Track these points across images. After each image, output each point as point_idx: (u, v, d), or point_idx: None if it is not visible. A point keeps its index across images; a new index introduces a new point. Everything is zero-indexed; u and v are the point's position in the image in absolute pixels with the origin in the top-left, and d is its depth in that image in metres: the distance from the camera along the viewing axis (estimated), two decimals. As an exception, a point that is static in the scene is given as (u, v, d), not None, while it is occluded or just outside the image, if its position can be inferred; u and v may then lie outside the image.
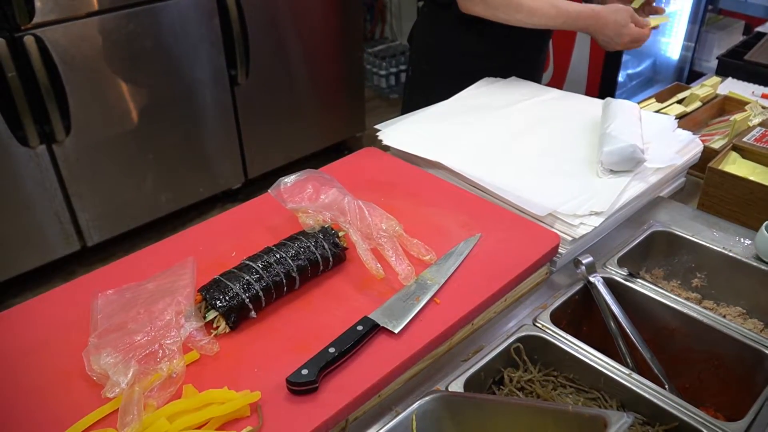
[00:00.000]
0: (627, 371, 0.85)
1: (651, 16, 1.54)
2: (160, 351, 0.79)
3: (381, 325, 0.85)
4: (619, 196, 1.11)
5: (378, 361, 0.81)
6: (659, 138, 1.27)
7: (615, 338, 0.96)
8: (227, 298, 0.84)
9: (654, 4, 1.57)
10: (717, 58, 1.89)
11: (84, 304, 0.88)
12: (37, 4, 2.06)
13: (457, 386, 0.82)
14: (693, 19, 3.27)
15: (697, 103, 1.54)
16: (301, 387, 0.76)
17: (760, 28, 2.23)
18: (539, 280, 1.03)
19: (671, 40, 3.36)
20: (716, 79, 1.68)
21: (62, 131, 2.24)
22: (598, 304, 0.98)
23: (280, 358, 0.81)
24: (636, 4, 1.52)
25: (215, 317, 0.84)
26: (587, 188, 1.12)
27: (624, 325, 0.95)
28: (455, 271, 0.96)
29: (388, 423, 0.77)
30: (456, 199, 1.14)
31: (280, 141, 3.03)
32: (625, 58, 3.03)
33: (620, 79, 3.10)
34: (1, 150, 2.14)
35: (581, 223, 1.04)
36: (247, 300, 0.85)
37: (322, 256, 0.93)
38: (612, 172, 1.17)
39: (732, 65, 1.81)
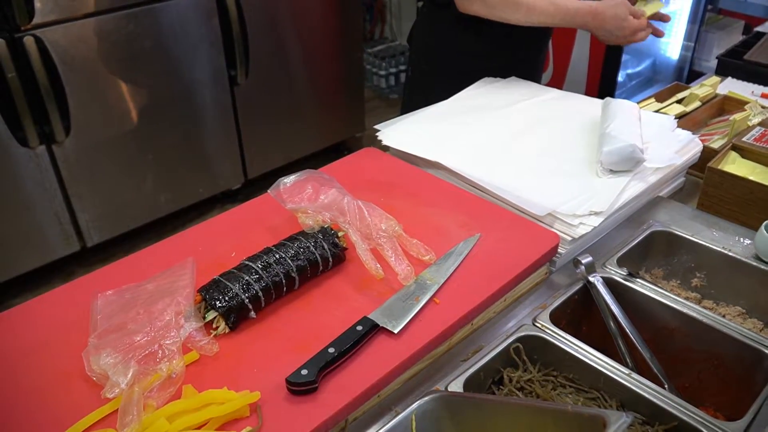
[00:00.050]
0: (626, 371, 0.85)
1: (647, 4, 1.53)
2: (160, 351, 0.79)
3: (380, 325, 0.85)
4: (618, 196, 1.11)
5: (377, 361, 0.81)
6: (659, 138, 1.27)
7: (614, 338, 0.96)
8: (227, 298, 0.84)
9: None
10: (716, 57, 1.89)
11: (84, 305, 0.88)
12: (37, 4, 2.06)
13: (456, 386, 0.82)
14: (693, 18, 3.27)
15: (697, 103, 1.54)
16: (301, 387, 0.76)
17: (759, 28, 2.23)
18: (539, 280, 1.03)
19: (671, 40, 3.36)
20: (716, 78, 1.68)
21: (62, 132, 2.24)
22: (597, 304, 0.98)
23: (280, 358, 0.81)
24: None
25: (215, 317, 0.84)
26: (587, 188, 1.12)
27: (623, 324, 0.95)
28: (455, 271, 0.96)
29: (387, 423, 0.77)
30: (455, 199, 1.14)
31: (280, 141, 3.04)
32: (624, 57, 3.03)
33: (620, 78, 3.10)
34: (1, 150, 2.14)
35: (581, 223, 1.04)
36: (247, 300, 0.85)
37: (321, 257, 0.93)
38: (611, 171, 1.17)
39: (731, 65, 1.82)
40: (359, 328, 0.83)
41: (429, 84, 1.65)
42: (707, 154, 1.28)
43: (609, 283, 1.00)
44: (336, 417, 0.76)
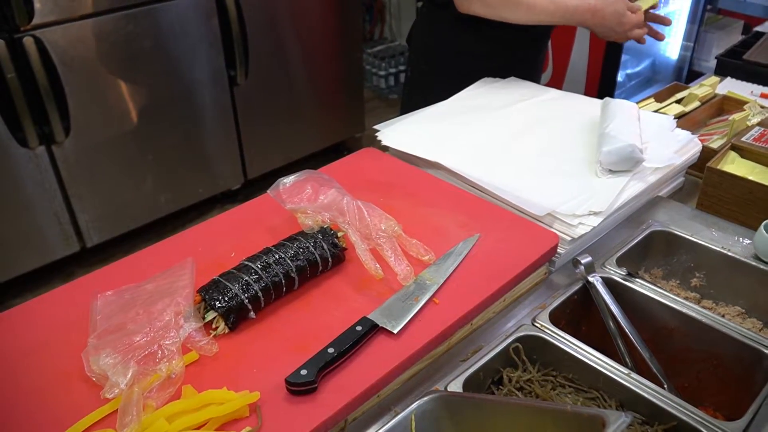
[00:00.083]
0: (626, 371, 0.86)
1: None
2: (159, 352, 0.79)
3: (380, 325, 0.85)
4: (617, 195, 1.11)
5: (377, 361, 0.81)
6: (658, 138, 1.27)
7: (614, 338, 0.96)
8: (226, 298, 0.84)
9: None
10: (716, 57, 1.89)
11: (83, 305, 0.88)
12: (37, 5, 2.06)
13: (456, 386, 0.82)
14: (692, 18, 3.27)
15: (696, 103, 1.54)
16: (300, 387, 0.76)
17: (758, 28, 2.23)
18: (538, 280, 1.03)
19: (670, 40, 3.36)
20: (715, 78, 1.68)
21: (61, 132, 2.24)
22: (597, 304, 0.98)
23: (279, 358, 0.81)
24: None
25: (214, 318, 0.85)
26: (586, 188, 1.12)
27: (623, 324, 0.95)
28: (454, 271, 0.96)
29: (387, 423, 0.77)
30: (455, 199, 1.14)
31: (280, 141, 3.04)
32: (624, 57, 3.03)
33: (619, 79, 3.10)
34: (1, 151, 2.14)
35: (580, 223, 1.05)
36: (246, 300, 0.85)
37: (321, 257, 0.93)
38: (611, 171, 1.17)
39: (731, 65, 1.82)
40: (359, 328, 0.84)
41: (428, 84, 1.65)
42: (706, 153, 1.28)
43: (608, 283, 1.00)
44: (335, 417, 0.76)
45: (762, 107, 1.50)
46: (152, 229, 2.68)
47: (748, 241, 1.10)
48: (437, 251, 0.99)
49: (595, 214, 1.06)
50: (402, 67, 3.91)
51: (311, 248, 0.93)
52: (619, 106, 1.28)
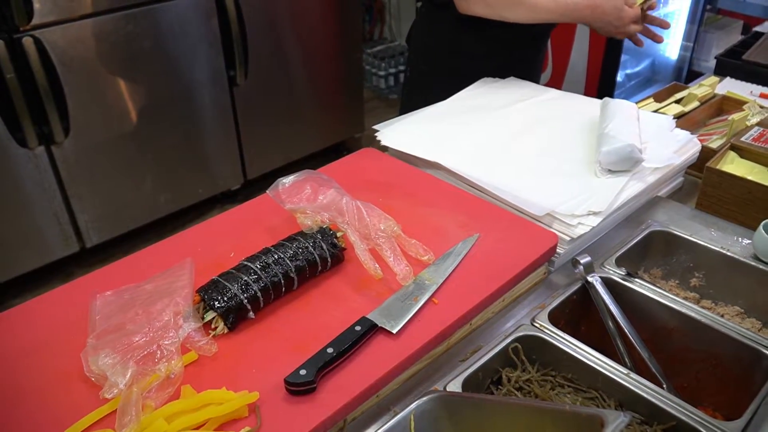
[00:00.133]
0: (625, 371, 0.86)
1: None
2: (159, 352, 0.79)
3: (379, 325, 0.85)
4: (617, 195, 1.11)
5: (376, 361, 0.81)
6: (657, 138, 1.27)
7: (613, 338, 0.96)
8: (225, 298, 0.84)
9: None
10: (715, 57, 1.89)
11: (83, 305, 0.88)
12: (36, 5, 2.06)
13: (455, 386, 0.82)
14: (691, 18, 3.27)
15: (695, 103, 1.54)
16: (300, 387, 0.76)
17: (758, 28, 2.23)
18: (537, 280, 1.03)
19: (670, 40, 3.36)
20: (714, 78, 1.68)
21: (61, 132, 2.24)
22: (596, 304, 0.98)
23: (279, 358, 0.81)
24: None
25: (213, 318, 0.85)
26: (585, 188, 1.12)
27: (622, 324, 0.95)
28: (453, 271, 0.96)
29: (386, 423, 0.77)
30: (454, 199, 1.14)
31: (279, 142, 3.04)
32: (623, 58, 3.03)
33: (619, 79, 3.10)
34: (0, 151, 2.14)
35: (579, 223, 1.05)
36: (246, 301, 0.85)
37: (320, 257, 0.94)
38: (610, 171, 1.17)
39: (730, 65, 1.82)
40: (358, 328, 0.84)
41: (428, 84, 1.65)
42: (706, 153, 1.28)
43: (607, 282, 1.00)
44: (334, 417, 0.76)
45: (761, 107, 1.50)
46: (152, 230, 2.68)
47: (748, 241, 1.10)
48: (436, 251, 0.99)
49: (595, 214, 1.06)
50: (402, 68, 3.91)
51: (310, 248, 0.93)
52: (618, 106, 1.28)
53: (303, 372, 0.76)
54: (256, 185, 2.99)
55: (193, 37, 2.51)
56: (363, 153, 1.31)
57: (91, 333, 0.82)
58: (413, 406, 0.79)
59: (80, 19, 2.19)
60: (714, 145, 1.36)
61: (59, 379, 0.79)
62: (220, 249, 1.00)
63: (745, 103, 1.53)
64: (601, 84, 3.05)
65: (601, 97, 1.40)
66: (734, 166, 1.24)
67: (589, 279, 0.99)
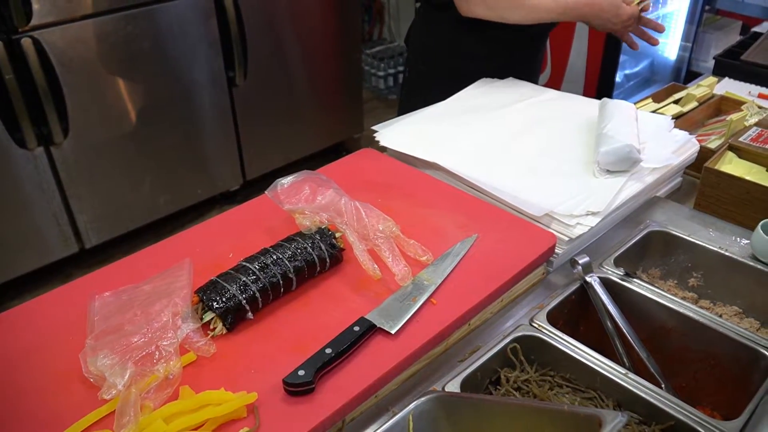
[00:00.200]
0: (623, 371, 0.86)
1: None
2: (157, 352, 0.79)
3: (378, 325, 0.85)
4: (615, 196, 1.11)
5: (375, 361, 0.81)
6: (656, 138, 1.27)
7: (611, 338, 0.97)
8: (224, 299, 0.84)
9: None
10: (714, 58, 1.89)
11: (82, 306, 0.88)
12: (35, 6, 2.06)
13: (453, 386, 0.82)
14: (690, 19, 3.28)
15: (694, 103, 1.54)
16: (298, 388, 0.76)
17: (756, 28, 2.23)
18: (536, 280, 1.03)
19: (668, 41, 3.37)
20: (713, 79, 1.68)
21: (60, 133, 2.24)
22: (594, 304, 0.98)
23: (277, 359, 0.81)
24: None
25: (212, 318, 0.85)
26: (584, 188, 1.12)
27: (620, 324, 0.95)
28: (452, 271, 0.96)
29: (384, 423, 0.77)
30: (453, 199, 1.14)
31: (279, 142, 3.04)
32: (622, 58, 3.04)
33: (618, 79, 3.10)
34: (-1, 152, 2.15)
35: (578, 224, 1.05)
36: (244, 301, 0.85)
37: (318, 257, 0.94)
38: (608, 172, 1.17)
39: (729, 65, 1.82)
40: (356, 328, 0.84)
41: (426, 85, 1.65)
42: (704, 154, 1.28)
43: (606, 283, 1.00)
44: (333, 417, 0.76)
45: (759, 107, 1.51)
46: (151, 230, 2.68)
47: (746, 241, 1.10)
48: (435, 252, 0.99)
49: (593, 214, 1.07)
50: (401, 68, 3.91)
51: (309, 249, 0.93)
52: (616, 106, 1.28)
53: (301, 372, 0.77)
54: (255, 186, 2.99)
55: (192, 37, 2.51)
56: (362, 153, 1.31)
57: (89, 334, 0.82)
58: (412, 406, 0.79)
59: (79, 19, 2.19)
60: (712, 145, 1.36)
61: (58, 380, 0.79)
62: (219, 250, 1.00)
63: (743, 103, 1.54)
64: (600, 84, 3.05)
65: (599, 98, 1.40)
66: (732, 166, 1.24)
67: (588, 279, 0.99)
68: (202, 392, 0.76)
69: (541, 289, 1.02)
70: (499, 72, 1.58)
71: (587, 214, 1.06)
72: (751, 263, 1.05)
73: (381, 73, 3.91)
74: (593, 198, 1.10)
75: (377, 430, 0.77)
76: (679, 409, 0.80)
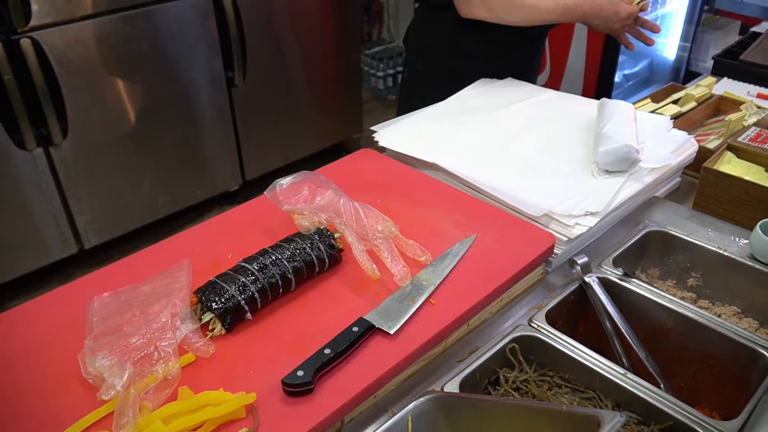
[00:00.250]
0: (622, 371, 0.86)
1: None
2: (156, 353, 0.79)
3: (376, 326, 0.85)
4: (614, 196, 1.11)
5: (373, 362, 0.81)
6: (654, 138, 1.27)
7: (610, 338, 0.97)
8: (223, 300, 0.84)
9: None
10: (712, 58, 1.89)
11: (81, 307, 0.88)
12: (34, 7, 2.06)
13: (452, 387, 0.82)
14: (689, 19, 3.28)
15: (693, 103, 1.54)
16: (297, 388, 0.76)
17: (755, 28, 2.23)
18: (535, 280, 1.03)
19: (668, 41, 3.37)
20: (711, 79, 1.68)
21: (59, 134, 2.24)
22: (593, 304, 0.98)
23: (276, 359, 0.81)
24: None
25: (211, 319, 0.85)
26: (582, 188, 1.13)
27: (619, 324, 0.95)
28: (451, 271, 0.96)
29: (383, 424, 0.77)
30: (451, 200, 1.14)
31: (278, 143, 3.04)
32: (621, 58, 3.04)
33: (617, 79, 3.10)
34: (-2, 153, 2.15)
35: (576, 224, 1.05)
36: (243, 302, 0.85)
37: (317, 258, 0.94)
38: (607, 172, 1.17)
39: (727, 65, 1.82)
40: (355, 329, 0.84)
41: (425, 85, 1.65)
42: (703, 154, 1.28)
43: (605, 283, 1.00)
44: (332, 418, 0.76)
45: (758, 107, 1.51)
46: (150, 231, 2.68)
47: (745, 241, 1.10)
48: (434, 252, 0.99)
49: (592, 214, 1.07)
50: (400, 68, 3.91)
51: (308, 249, 0.93)
52: (615, 106, 1.28)
53: (300, 373, 0.76)
54: (254, 186, 2.99)
55: (192, 38, 2.51)
56: (361, 154, 1.31)
57: (88, 334, 0.82)
58: (411, 406, 0.79)
59: (78, 20, 2.19)
60: (711, 145, 1.36)
61: (57, 381, 0.79)
62: (218, 250, 1.00)
63: (742, 103, 1.54)
64: (599, 84, 3.05)
65: (598, 98, 1.40)
66: (731, 166, 1.24)
67: (587, 279, 0.99)
68: (200, 393, 0.76)
69: (540, 289, 1.02)
70: (498, 72, 1.58)
71: (586, 214, 1.06)
72: (750, 263, 1.05)
73: (380, 74, 3.91)
74: (592, 198, 1.10)
75: (376, 430, 0.77)
76: (677, 409, 0.80)
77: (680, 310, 0.96)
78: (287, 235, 0.97)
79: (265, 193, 1.04)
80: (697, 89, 1.58)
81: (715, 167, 1.20)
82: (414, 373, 0.86)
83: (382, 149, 1.30)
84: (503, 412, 0.76)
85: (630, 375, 0.85)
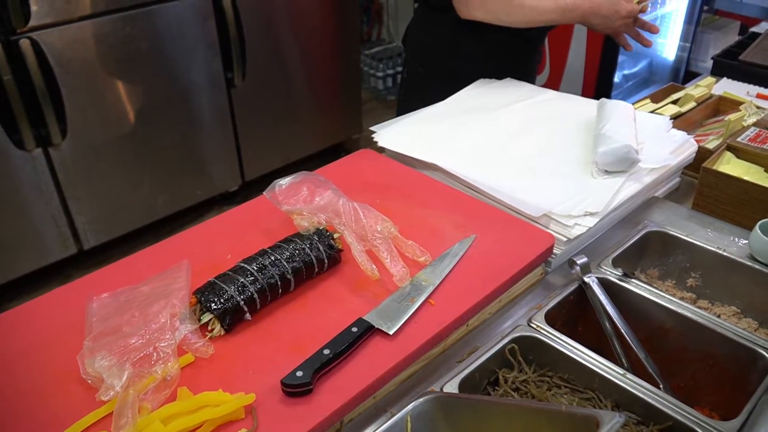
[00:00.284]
0: (621, 371, 0.86)
1: None
2: (155, 354, 0.79)
3: (376, 326, 0.85)
4: (613, 196, 1.11)
5: (373, 362, 0.81)
6: (654, 138, 1.27)
7: (610, 338, 0.97)
8: (222, 300, 0.84)
9: None
10: (712, 58, 1.89)
11: (80, 307, 0.88)
12: (33, 7, 2.06)
13: (451, 387, 0.82)
14: (689, 19, 3.28)
15: (692, 104, 1.54)
16: (296, 389, 0.76)
17: (755, 29, 2.24)
18: (534, 280, 1.03)
19: (667, 41, 3.37)
20: (711, 79, 1.68)
21: (58, 134, 2.24)
22: (592, 305, 0.98)
23: (275, 360, 0.81)
24: None
25: (210, 320, 0.85)
26: (582, 189, 1.13)
27: (619, 325, 0.95)
28: (450, 272, 0.96)
29: (383, 424, 0.77)
30: (451, 200, 1.14)
31: (277, 143, 3.04)
32: (621, 58, 3.04)
33: (616, 79, 3.10)
34: (-2, 154, 2.14)
35: (576, 224, 1.05)
36: (242, 302, 0.85)
37: (317, 258, 0.94)
38: (607, 172, 1.17)
39: (727, 65, 1.82)
40: (354, 329, 0.84)
41: (424, 85, 1.65)
42: (702, 154, 1.28)
43: (604, 283, 1.00)
44: (331, 418, 0.76)
45: (758, 108, 1.51)
46: (150, 231, 2.67)
47: (744, 242, 1.10)
48: (433, 252, 0.99)
49: (591, 214, 1.07)
50: (400, 69, 3.91)
51: (307, 250, 0.93)
52: (615, 107, 1.29)
53: (299, 373, 0.76)
54: (254, 187, 2.99)
55: (191, 38, 2.51)
56: (360, 154, 1.31)
57: (87, 335, 0.82)
58: (410, 407, 0.79)
59: (77, 21, 2.19)
60: (710, 145, 1.36)
61: (56, 382, 0.79)
62: (217, 251, 1.00)
63: (741, 103, 1.54)
64: (599, 85, 3.05)
65: (598, 98, 1.40)
66: (731, 166, 1.24)
67: (586, 280, 0.99)
68: (200, 393, 0.76)
69: (539, 289, 1.02)
70: (497, 73, 1.58)
71: (585, 215, 1.06)
72: (749, 263, 1.05)
73: (380, 74, 3.91)
74: (591, 198, 1.10)
75: (376, 430, 0.77)
76: (677, 409, 0.80)
77: (680, 310, 0.96)
78: (286, 236, 0.97)
79: (264, 193, 1.04)
80: (697, 89, 1.58)
81: (714, 167, 1.20)
82: (413, 374, 0.86)
83: (382, 149, 1.30)
84: (502, 412, 0.76)
85: (629, 375, 0.85)
